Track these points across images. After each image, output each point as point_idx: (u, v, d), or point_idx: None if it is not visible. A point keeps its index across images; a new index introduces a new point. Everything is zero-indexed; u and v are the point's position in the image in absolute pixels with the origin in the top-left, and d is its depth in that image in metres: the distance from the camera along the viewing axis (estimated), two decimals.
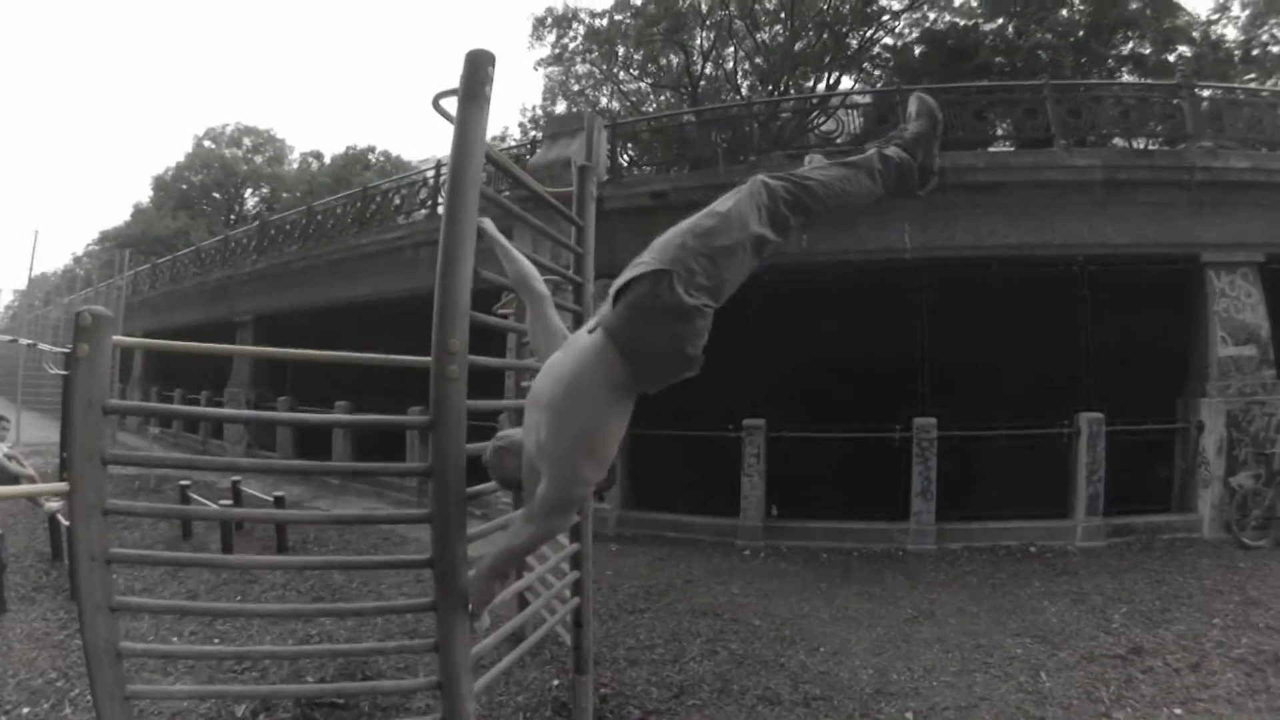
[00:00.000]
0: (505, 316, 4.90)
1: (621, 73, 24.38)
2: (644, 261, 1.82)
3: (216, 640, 5.12)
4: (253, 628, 5.26)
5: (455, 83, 2.43)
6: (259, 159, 39.49)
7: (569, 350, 2.01)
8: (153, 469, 11.94)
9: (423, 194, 13.37)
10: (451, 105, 2.53)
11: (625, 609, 5.99)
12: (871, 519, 8.33)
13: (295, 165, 40.30)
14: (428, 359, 2.30)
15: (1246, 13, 20.70)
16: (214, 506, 8.35)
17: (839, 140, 10.30)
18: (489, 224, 2.51)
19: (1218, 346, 8.59)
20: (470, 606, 2.31)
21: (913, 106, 2.20)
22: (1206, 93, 10.10)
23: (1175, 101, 9.57)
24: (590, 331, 1.92)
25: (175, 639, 5.12)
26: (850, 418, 8.47)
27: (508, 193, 7.80)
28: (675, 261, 1.78)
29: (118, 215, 72.63)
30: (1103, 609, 5.90)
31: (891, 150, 2.10)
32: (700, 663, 4.89)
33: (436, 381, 2.26)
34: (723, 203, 1.90)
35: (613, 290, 1.84)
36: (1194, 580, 6.59)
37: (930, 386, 8.76)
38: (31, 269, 28.83)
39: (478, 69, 2.40)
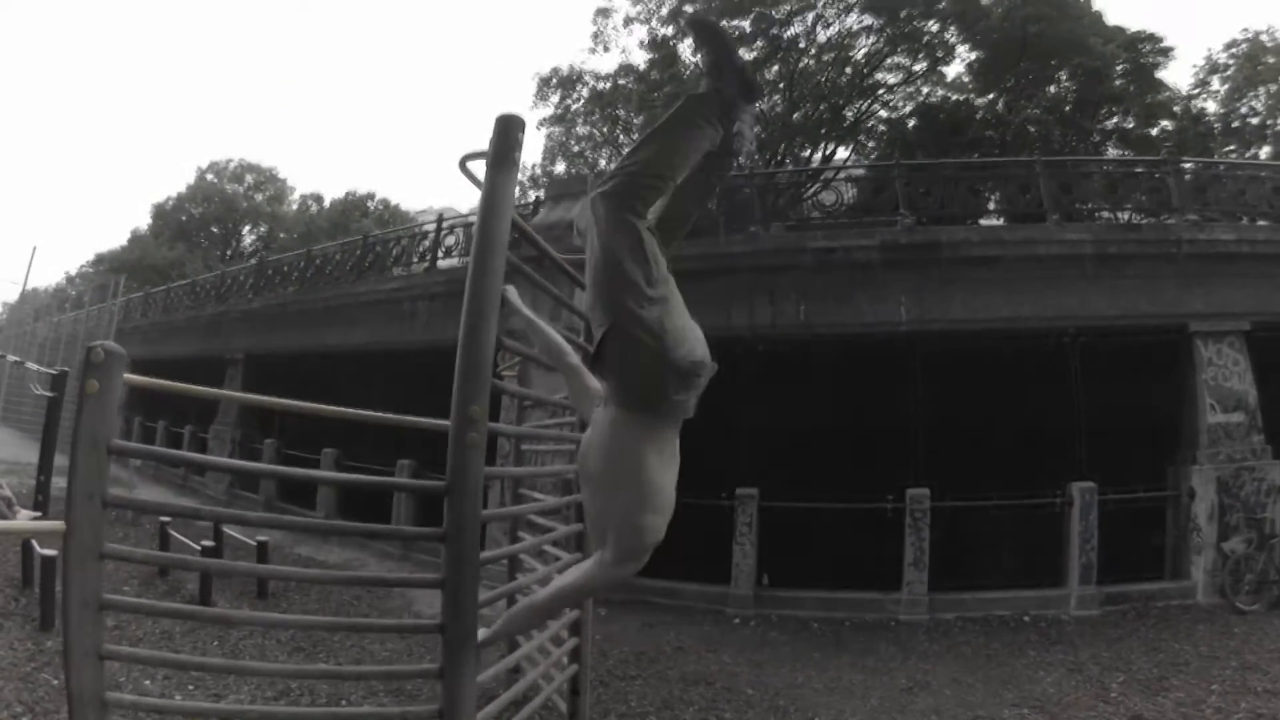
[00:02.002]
0: (501, 378, 4.89)
1: (622, 135, 24.90)
2: (594, 330, 2.02)
3: (191, 686, 4.93)
4: (229, 676, 5.07)
5: (462, 137, 2.47)
6: (260, 197, 39.64)
7: (595, 426, 2.16)
8: (131, 496, 11.54)
9: (424, 246, 13.46)
10: (478, 168, 2.57)
11: (616, 675, 5.85)
12: (864, 589, 8.22)
13: (295, 206, 40.48)
14: (446, 422, 2.29)
15: (1226, 87, 21.60)
16: (195, 547, 8.16)
17: (836, 212, 10.51)
18: (513, 293, 2.52)
19: (1207, 414, 8.67)
20: (495, 630, 2.36)
21: (694, 38, 2.23)
22: (1190, 166, 10.43)
23: (1160, 175, 9.90)
24: (602, 405, 2.12)
25: (148, 682, 4.93)
26: (844, 488, 8.43)
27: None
28: (612, 310, 1.94)
29: (115, 239, 72.54)
30: (1100, 678, 5.84)
31: (703, 86, 2.14)
32: None
33: (455, 448, 2.24)
34: (602, 244, 1.97)
35: (591, 365, 2.06)
36: (1190, 647, 6.56)
37: (924, 457, 8.75)
38: (26, 284, 28.63)
39: (508, 134, 2.43)
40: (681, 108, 2.08)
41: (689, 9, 21.52)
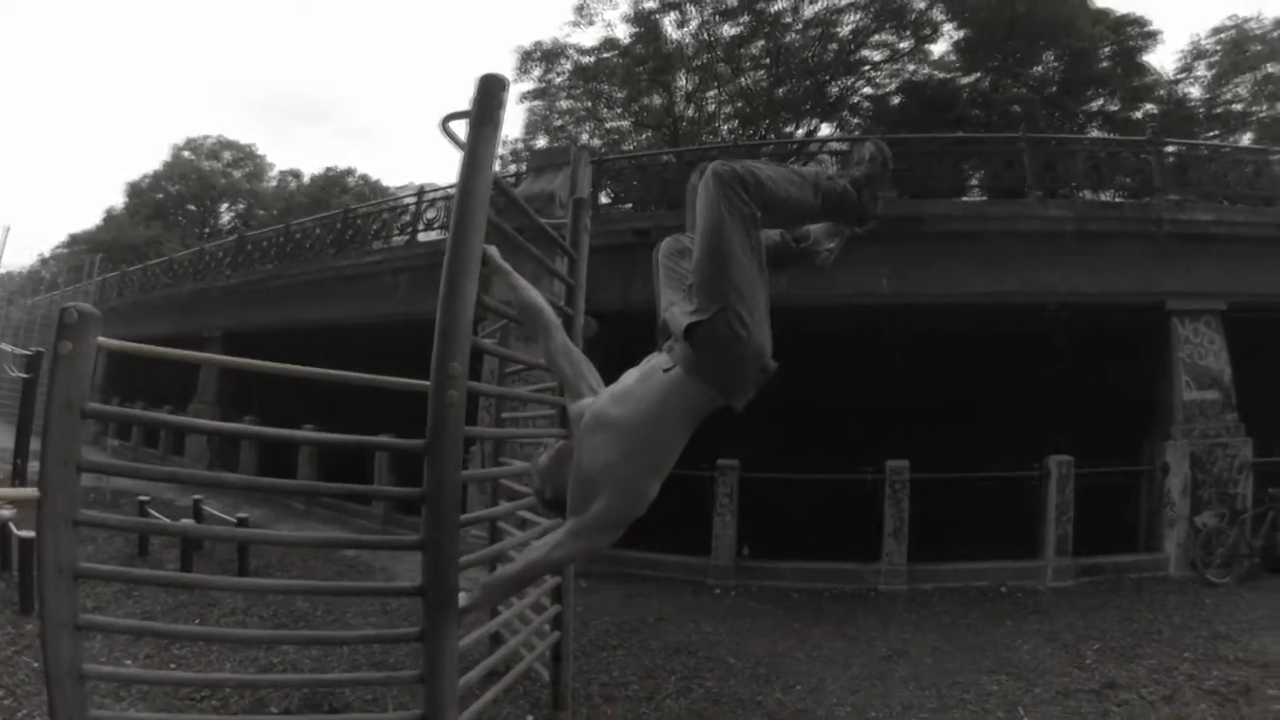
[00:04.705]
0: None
1: (604, 109, 24.68)
2: (699, 302, 2.03)
3: (173, 665, 4.90)
4: (212, 653, 5.05)
5: (442, 112, 2.44)
6: (237, 174, 39.01)
7: (647, 382, 2.14)
8: (110, 479, 11.40)
9: (404, 220, 13.32)
10: (460, 129, 2.53)
11: (597, 645, 5.87)
12: (843, 560, 8.29)
13: (274, 183, 39.93)
14: (425, 382, 2.26)
15: (1211, 73, 21.74)
16: (159, 522, 8.09)
17: None
18: (495, 251, 2.49)
19: (1182, 391, 8.81)
20: (470, 602, 2.33)
21: (866, 151, 2.30)
22: (1172, 148, 10.52)
23: (1143, 156, 9.97)
24: (666, 370, 2.10)
25: (129, 662, 4.90)
26: (824, 459, 8.49)
27: None
28: (724, 296, 1.98)
29: (89, 219, 71.04)
30: (1075, 646, 5.95)
31: (841, 180, 2.21)
32: (676, 700, 4.81)
33: (435, 405, 2.22)
34: (706, 218, 2.03)
35: (683, 332, 2.04)
36: (1162, 617, 6.70)
37: (903, 429, 8.83)
38: None
39: (491, 93, 2.40)
40: (816, 172, 2.21)
41: None
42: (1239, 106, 21.39)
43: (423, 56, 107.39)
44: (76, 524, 2.17)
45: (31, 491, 2.24)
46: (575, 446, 2.21)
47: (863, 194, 2.21)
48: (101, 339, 2.31)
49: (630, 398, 2.13)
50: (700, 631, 6.41)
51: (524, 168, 12.71)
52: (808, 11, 21.19)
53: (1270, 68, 21.18)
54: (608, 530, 2.17)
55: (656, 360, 2.17)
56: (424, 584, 2.27)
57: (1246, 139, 20.69)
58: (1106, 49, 19.68)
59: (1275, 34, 21.27)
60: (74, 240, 39.38)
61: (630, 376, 2.21)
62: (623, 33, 22.96)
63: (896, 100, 21.63)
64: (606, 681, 5.10)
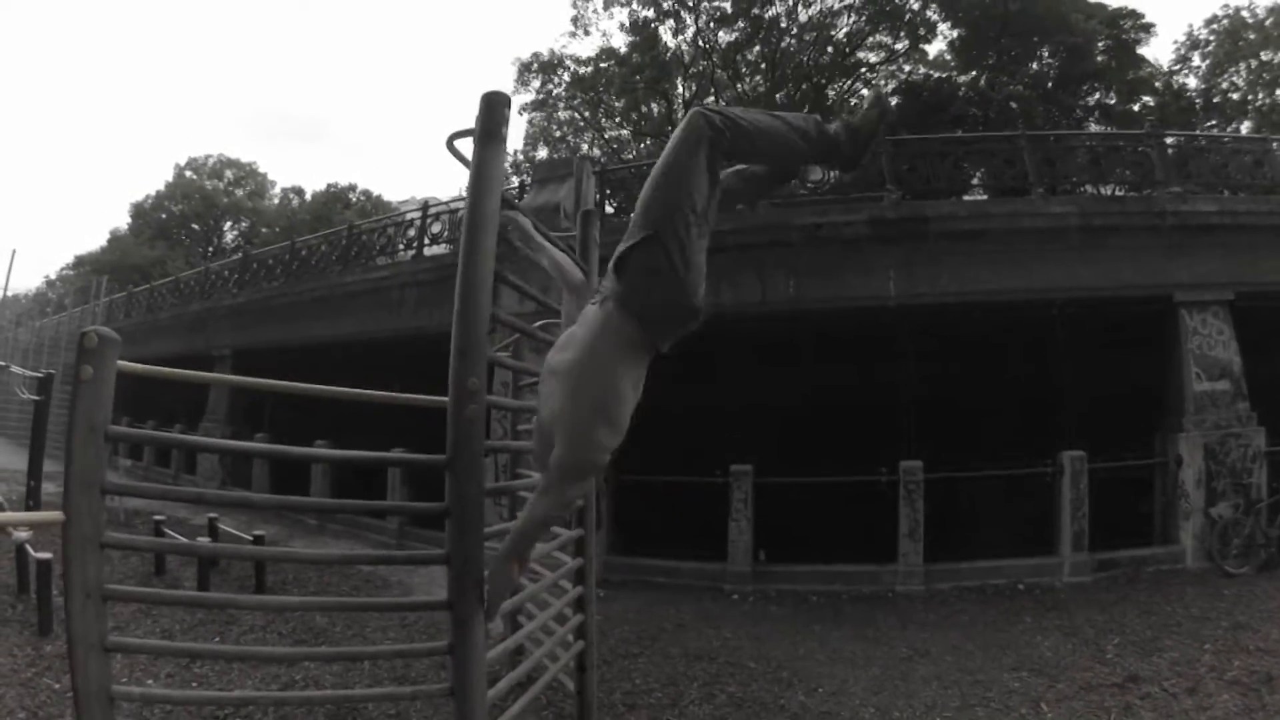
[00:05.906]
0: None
1: (604, 119, 24.83)
2: (633, 230, 2.01)
3: (195, 684, 4.92)
4: (233, 670, 5.07)
5: (443, 126, 2.48)
6: (240, 192, 39.37)
7: (582, 323, 2.13)
8: (123, 500, 11.41)
9: (410, 234, 13.37)
10: (465, 147, 2.56)
11: (618, 653, 5.87)
12: (860, 562, 8.28)
13: (276, 200, 40.24)
14: (444, 399, 2.28)
15: (1206, 63, 21.76)
16: (185, 542, 8.11)
17: (823, 189, 10.50)
18: (526, 222, 2.55)
19: (1193, 383, 8.77)
20: (486, 599, 2.31)
21: (869, 101, 2.32)
22: (1171, 140, 10.51)
23: (1142, 149, 9.96)
24: (598, 304, 2.08)
25: (150, 681, 4.91)
26: (837, 462, 8.47)
27: None
28: (660, 223, 1.96)
29: (93, 240, 71.61)
30: (1095, 641, 5.94)
31: (832, 126, 2.20)
32: (700, 706, 4.82)
33: (455, 421, 2.24)
34: (670, 146, 2.04)
35: (612, 262, 2.03)
36: (1182, 609, 6.68)
37: (916, 429, 8.81)
38: (6, 289, 28.25)
39: (494, 110, 2.43)
40: (804, 116, 2.20)
41: None
42: (1236, 95, 21.43)
43: (417, 71, 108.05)
44: (103, 546, 2.18)
45: (56, 515, 2.26)
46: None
47: (856, 136, 2.19)
48: (121, 363, 2.33)
49: (572, 341, 2.13)
50: (720, 637, 6.41)
51: (527, 180, 12.76)
52: (803, 15, 21.37)
53: (1265, 55, 21.20)
54: (571, 481, 2.12)
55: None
56: (450, 598, 2.29)
57: (1245, 127, 20.69)
58: (1101, 43, 19.72)
59: (1269, 21, 21.29)
60: (79, 262, 39.73)
61: (577, 324, 2.20)
62: (620, 42, 23.23)
63: (894, 101, 21.69)
64: (629, 690, 5.10)
